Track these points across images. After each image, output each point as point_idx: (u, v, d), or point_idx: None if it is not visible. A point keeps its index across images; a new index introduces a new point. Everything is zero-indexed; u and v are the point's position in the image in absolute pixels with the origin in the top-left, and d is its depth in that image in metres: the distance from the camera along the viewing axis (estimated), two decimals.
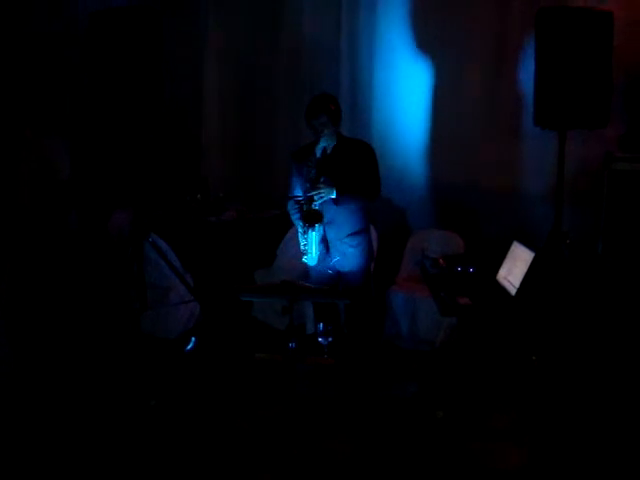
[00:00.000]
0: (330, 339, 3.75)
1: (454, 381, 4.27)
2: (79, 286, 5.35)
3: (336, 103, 4.32)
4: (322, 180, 4.15)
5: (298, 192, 4.39)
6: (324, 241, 4.30)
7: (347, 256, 4.32)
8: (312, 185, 4.16)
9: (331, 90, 5.53)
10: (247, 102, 6.27)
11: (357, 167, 4.24)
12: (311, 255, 4.24)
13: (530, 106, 4.53)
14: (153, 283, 5.00)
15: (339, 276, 4.40)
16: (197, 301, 5.20)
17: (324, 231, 4.27)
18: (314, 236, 4.21)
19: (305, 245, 4.24)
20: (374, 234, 4.99)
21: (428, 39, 5.59)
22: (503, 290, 3.88)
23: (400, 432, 3.84)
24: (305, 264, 4.40)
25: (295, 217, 4.35)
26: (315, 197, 4.13)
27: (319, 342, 3.76)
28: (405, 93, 5.73)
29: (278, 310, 4.56)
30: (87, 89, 5.33)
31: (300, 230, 4.26)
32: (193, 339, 4.29)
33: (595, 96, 4.34)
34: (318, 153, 4.23)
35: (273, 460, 3.55)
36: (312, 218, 4.17)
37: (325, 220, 4.24)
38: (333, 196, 4.15)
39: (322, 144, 4.22)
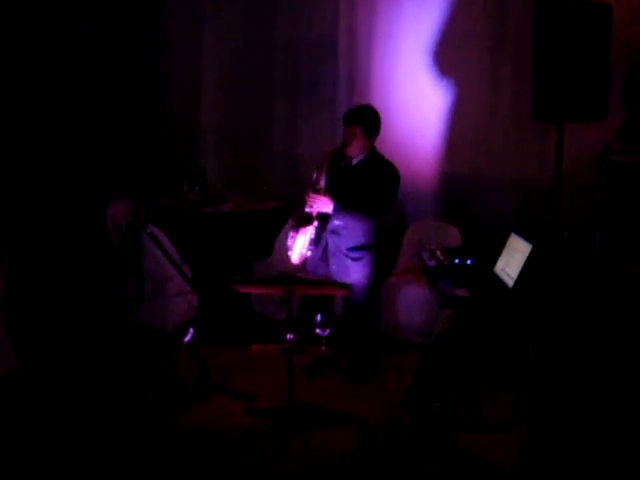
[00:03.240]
0: (328, 330, 3.76)
1: (451, 373, 4.29)
2: (77, 277, 5.35)
3: (372, 115, 4.23)
4: (320, 193, 4.11)
5: None
6: (325, 251, 4.27)
7: (347, 269, 4.26)
8: (314, 191, 4.12)
9: (329, 85, 5.56)
10: (245, 95, 6.25)
11: (371, 186, 4.16)
12: (293, 254, 4.22)
13: (529, 98, 4.53)
14: (151, 274, 5.01)
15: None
16: (195, 292, 5.21)
17: (326, 240, 4.24)
18: (300, 239, 4.19)
19: (291, 242, 4.22)
20: None
21: (426, 34, 5.58)
22: (500, 282, 3.89)
23: (397, 424, 3.86)
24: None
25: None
26: (310, 203, 4.11)
27: (317, 333, 3.76)
28: (403, 88, 5.72)
29: (276, 301, 4.58)
30: (85, 80, 5.32)
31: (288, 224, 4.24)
32: (191, 330, 4.29)
33: (593, 89, 4.35)
34: (343, 161, 4.20)
35: (274, 451, 3.57)
36: (301, 221, 4.16)
37: (329, 229, 4.22)
38: (328, 211, 4.12)
39: (350, 153, 4.18)
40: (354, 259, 4.25)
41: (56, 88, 6.00)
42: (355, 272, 4.26)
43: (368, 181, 4.17)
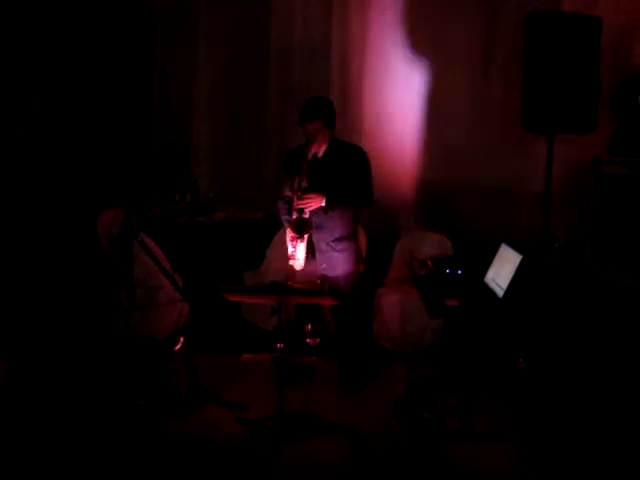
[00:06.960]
0: (318, 340, 3.76)
1: (442, 383, 4.29)
2: (68, 285, 5.33)
3: (330, 106, 4.28)
4: (310, 190, 4.11)
5: (288, 192, 4.37)
6: (310, 245, 4.27)
7: (333, 261, 4.30)
8: (301, 194, 4.12)
9: (321, 93, 5.56)
10: (237, 103, 6.26)
11: (348, 173, 4.21)
12: (299, 261, 4.23)
13: (519, 109, 4.56)
14: (142, 283, 4.99)
15: (324, 278, 4.38)
16: (186, 301, 5.19)
17: (311, 235, 4.25)
18: (301, 245, 4.21)
19: (293, 251, 4.23)
20: (363, 236, 4.99)
21: (419, 42, 5.62)
22: (491, 292, 3.90)
23: (387, 434, 3.85)
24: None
25: (284, 217, 4.35)
26: (305, 205, 4.11)
27: (307, 343, 3.77)
28: (395, 96, 5.75)
29: (266, 311, 4.57)
30: (78, 87, 5.31)
31: (288, 234, 4.24)
32: (181, 339, 4.29)
33: (583, 101, 4.38)
34: (310, 157, 4.18)
35: (264, 461, 3.56)
36: (302, 228, 4.16)
37: (314, 225, 4.23)
38: (322, 204, 4.14)
39: (314, 148, 4.18)
40: (339, 251, 4.29)
41: (49, 95, 5.99)
42: (342, 264, 4.31)
43: (343, 168, 4.21)
